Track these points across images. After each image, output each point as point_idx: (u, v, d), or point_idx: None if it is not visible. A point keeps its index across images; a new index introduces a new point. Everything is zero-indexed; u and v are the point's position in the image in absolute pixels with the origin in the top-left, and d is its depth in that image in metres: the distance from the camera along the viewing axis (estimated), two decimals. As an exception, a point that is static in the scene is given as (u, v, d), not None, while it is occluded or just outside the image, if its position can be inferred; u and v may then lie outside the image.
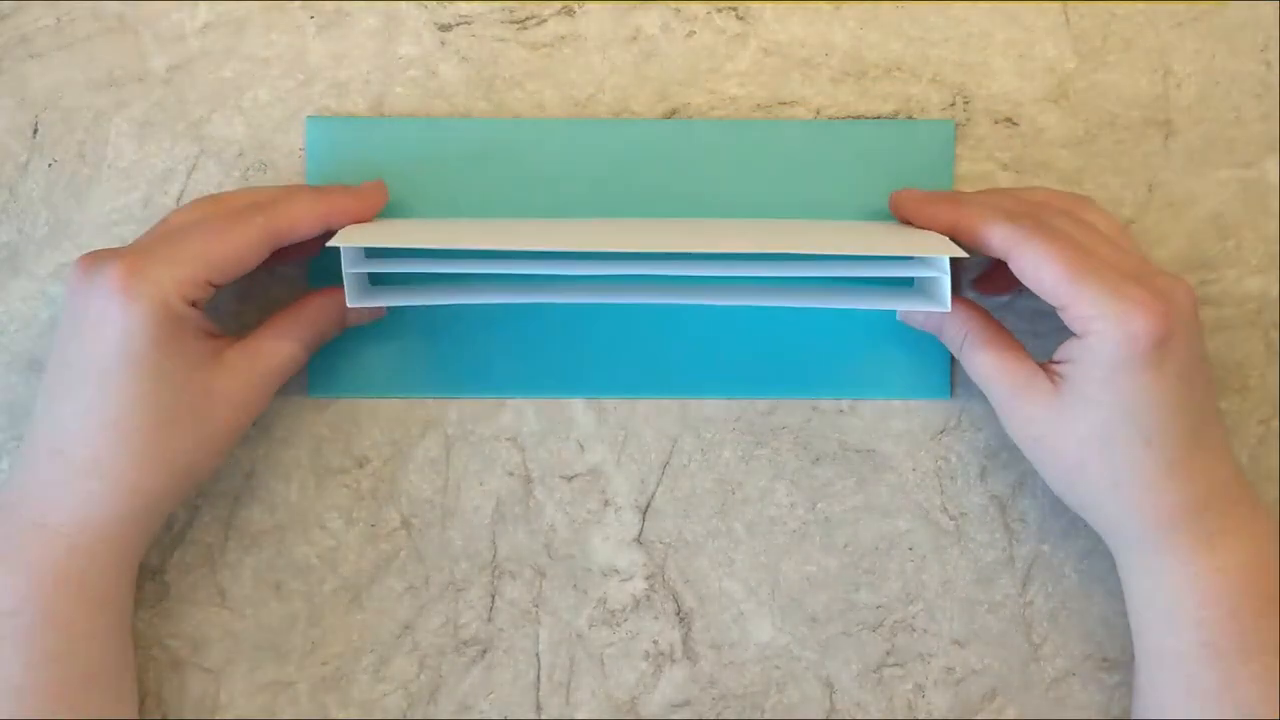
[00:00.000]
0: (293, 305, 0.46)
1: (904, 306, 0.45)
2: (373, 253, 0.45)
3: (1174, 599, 0.42)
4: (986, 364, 0.44)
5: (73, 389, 0.41)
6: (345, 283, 0.43)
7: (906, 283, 0.48)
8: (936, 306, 0.43)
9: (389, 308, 0.48)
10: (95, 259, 0.41)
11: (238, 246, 0.42)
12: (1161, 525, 0.42)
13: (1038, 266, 0.41)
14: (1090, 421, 0.41)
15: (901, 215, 0.46)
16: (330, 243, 0.42)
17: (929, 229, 0.44)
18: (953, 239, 0.43)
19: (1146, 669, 0.44)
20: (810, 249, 0.42)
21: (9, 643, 0.40)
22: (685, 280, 0.46)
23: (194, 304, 0.41)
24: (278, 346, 0.44)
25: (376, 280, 0.47)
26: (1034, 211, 0.43)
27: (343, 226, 0.43)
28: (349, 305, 0.43)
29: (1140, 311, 0.40)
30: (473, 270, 0.43)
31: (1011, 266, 0.42)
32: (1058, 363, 0.43)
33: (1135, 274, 0.41)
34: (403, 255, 0.45)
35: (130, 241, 0.49)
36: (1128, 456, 0.41)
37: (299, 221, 0.43)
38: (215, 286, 0.42)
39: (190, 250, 0.41)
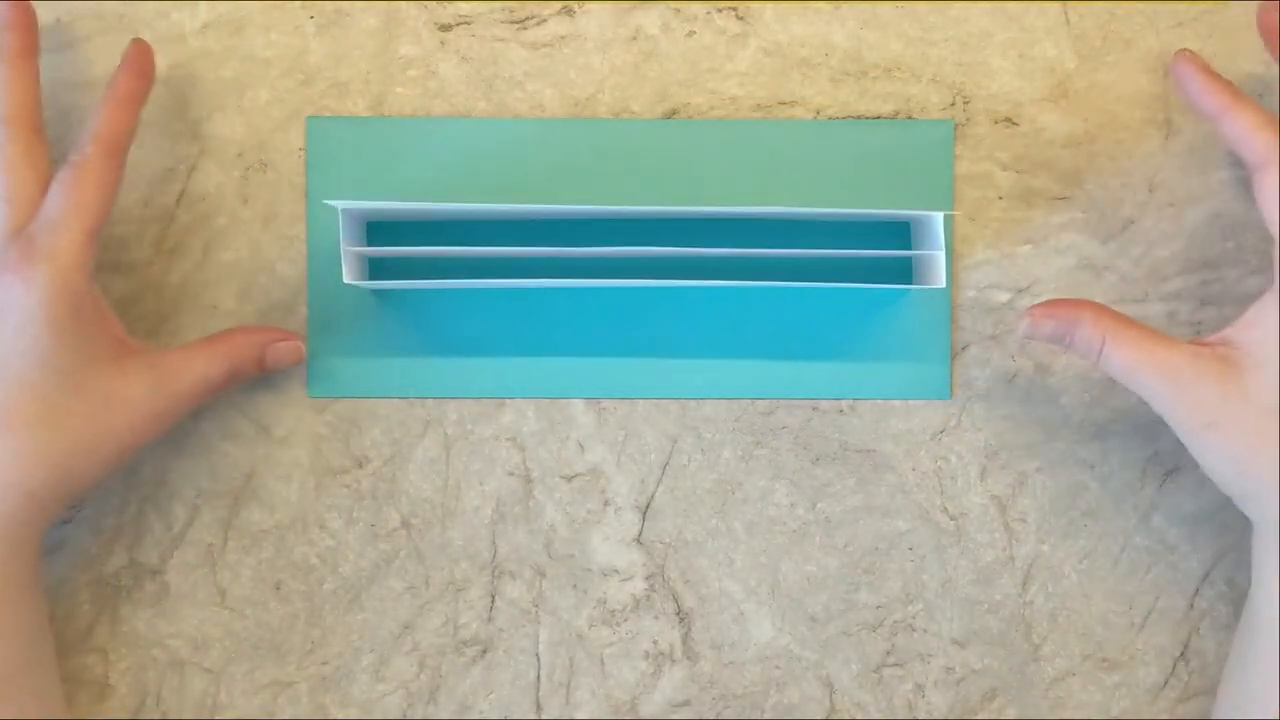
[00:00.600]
0: (212, 335, 0.45)
1: (1030, 316, 0.44)
2: (372, 240, 0.46)
3: None
4: (1140, 359, 0.41)
5: None
6: (343, 260, 0.43)
7: (904, 277, 0.48)
8: (931, 283, 0.43)
9: (396, 319, 0.48)
10: None
11: (105, 183, 0.42)
12: None
13: (1272, 197, 0.40)
14: (1275, 390, 0.39)
15: (1179, 78, 0.44)
16: (328, 202, 0.43)
17: (1201, 95, 0.42)
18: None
19: (1251, 665, 0.42)
20: (798, 209, 0.42)
21: None
22: (685, 263, 0.46)
23: (88, 272, 0.41)
24: (189, 366, 0.43)
25: (376, 275, 0.48)
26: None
27: None
28: (345, 281, 0.42)
29: None
30: (468, 253, 0.43)
31: (1253, 186, 0.41)
32: (1229, 331, 0.41)
33: None
34: (400, 241, 0.46)
35: (131, 247, 0.49)
36: None
37: (125, 123, 0.43)
38: (97, 234, 0.41)
39: (64, 212, 0.40)
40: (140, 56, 0.45)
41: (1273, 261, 0.41)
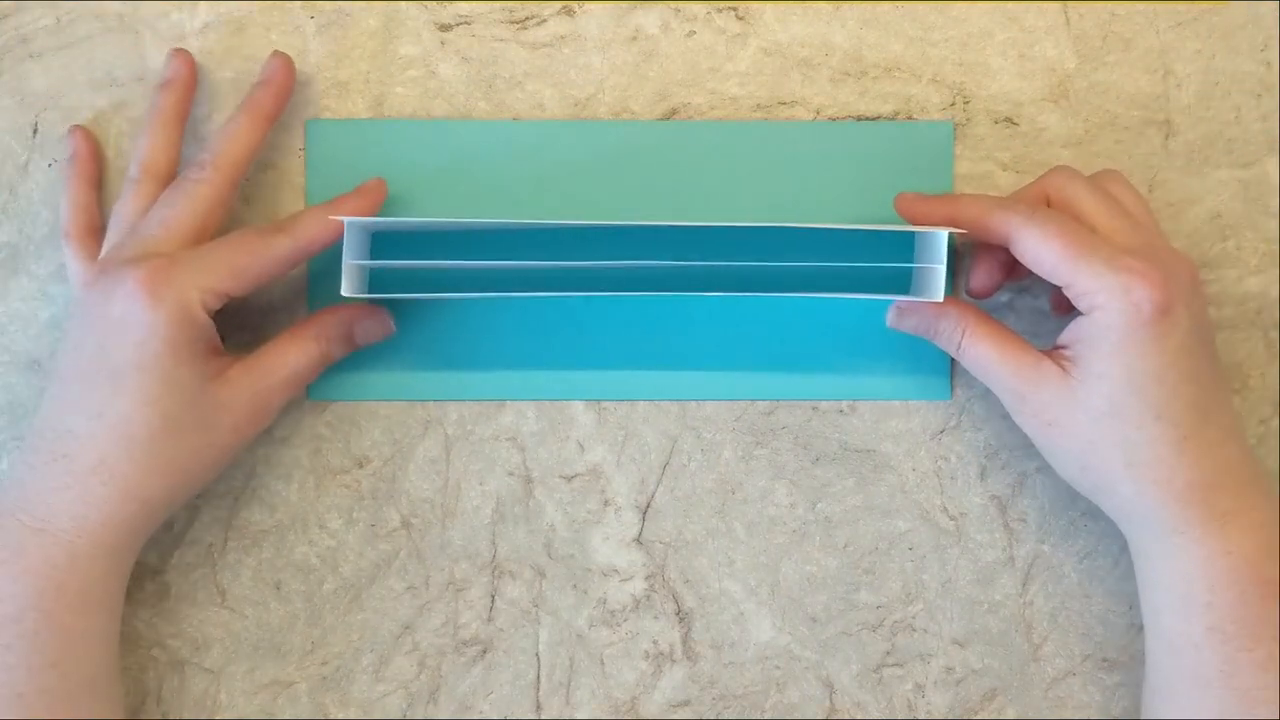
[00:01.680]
0: (300, 322, 0.46)
1: (895, 306, 0.45)
2: (376, 253, 0.46)
3: (1184, 582, 0.42)
4: (989, 358, 0.44)
5: (84, 392, 0.41)
6: (343, 273, 0.43)
7: (902, 288, 0.48)
8: (930, 296, 0.44)
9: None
10: (110, 265, 0.42)
11: (263, 261, 0.43)
12: (1173, 503, 0.42)
13: (1038, 246, 0.42)
14: (1101, 396, 0.42)
15: (903, 216, 0.47)
16: (334, 215, 0.43)
17: (928, 224, 0.45)
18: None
19: (1155, 655, 0.44)
20: (807, 223, 0.43)
21: (11, 650, 0.40)
22: (684, 275, 0.46)
23: (210, 314, 0.42)
24: (282, 361, 0.45)
25: (378, 286, 0.47)
26: (1040, 185, 0.45)
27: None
28: (343, 293, 0.43)
29: (1140, 281, 0.40)
30: (472, 266, 0.43)
31: (1014, 250, 0.43)
32: (1062, 347, 0.43)
33: (1137, 248, 0.42)
34: (403, 253, 0.46)
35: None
36: (1139, 431, 0.41)
37: (317, 238, 0.44)
38: (230, 298, 0.43)
39: (216, 261, 0.42)
40: (379, 190, 0.47)
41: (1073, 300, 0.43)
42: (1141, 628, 0.49)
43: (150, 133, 0.46)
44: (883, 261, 0.46)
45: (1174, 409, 0.41)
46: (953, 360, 0.49)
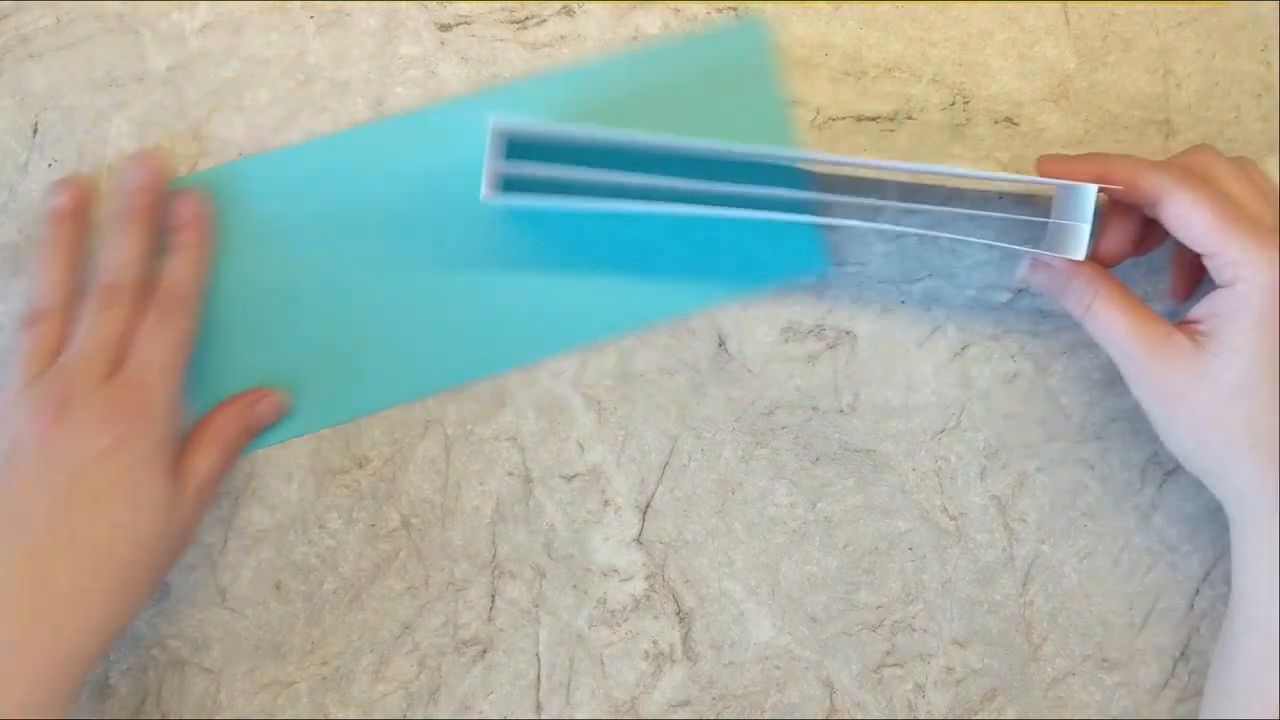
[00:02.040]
0: (195, 429, 0.46)
1: (1030, 260, 0.45)
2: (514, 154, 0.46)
3: None
4: (1120, 324, 0.43)
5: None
6: (485, 176, 0.43)
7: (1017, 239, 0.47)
8: (1070, 254, 0.43)
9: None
10: (73, 400, 0.43)
11: (182, 335, 0.45)
12: None
13: (1188, 213, 0.41)
14: (1235, 370, 0.41)
15: (1046, 176, 0.45)
16: (491, 118, 0.43)
17: (1073, 180, 0.44)
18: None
19: (1241, 639, 0.43)
20: (954, 174, 0.43)
21: None
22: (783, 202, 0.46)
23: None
24: (194, 467, 0.45)
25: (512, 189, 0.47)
26: (1183, 159, 0.44)
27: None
28: (483, 199, 0.43)
29: None
30: (610, 177, 0.44)
31: (1160, 214, 0.42)
32: (1195, 321, 0.43)
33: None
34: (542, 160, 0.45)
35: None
36: (1269, 410, 0.41)
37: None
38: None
39: (160, 370, 0.44)
40: (193, 207, 0.47)
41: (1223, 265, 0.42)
42: (1141, 627, 0.49)
43: (47, 265, 0.46)
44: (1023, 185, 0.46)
45: None
46: (952, 358, 0.49)
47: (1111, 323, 0.44)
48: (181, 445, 0.46)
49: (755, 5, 0.49)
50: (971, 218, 0.46)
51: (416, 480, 0.49)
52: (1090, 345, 0.48)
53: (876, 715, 0.49)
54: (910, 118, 0.49)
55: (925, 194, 0.48)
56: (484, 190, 0.43)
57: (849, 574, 0.49)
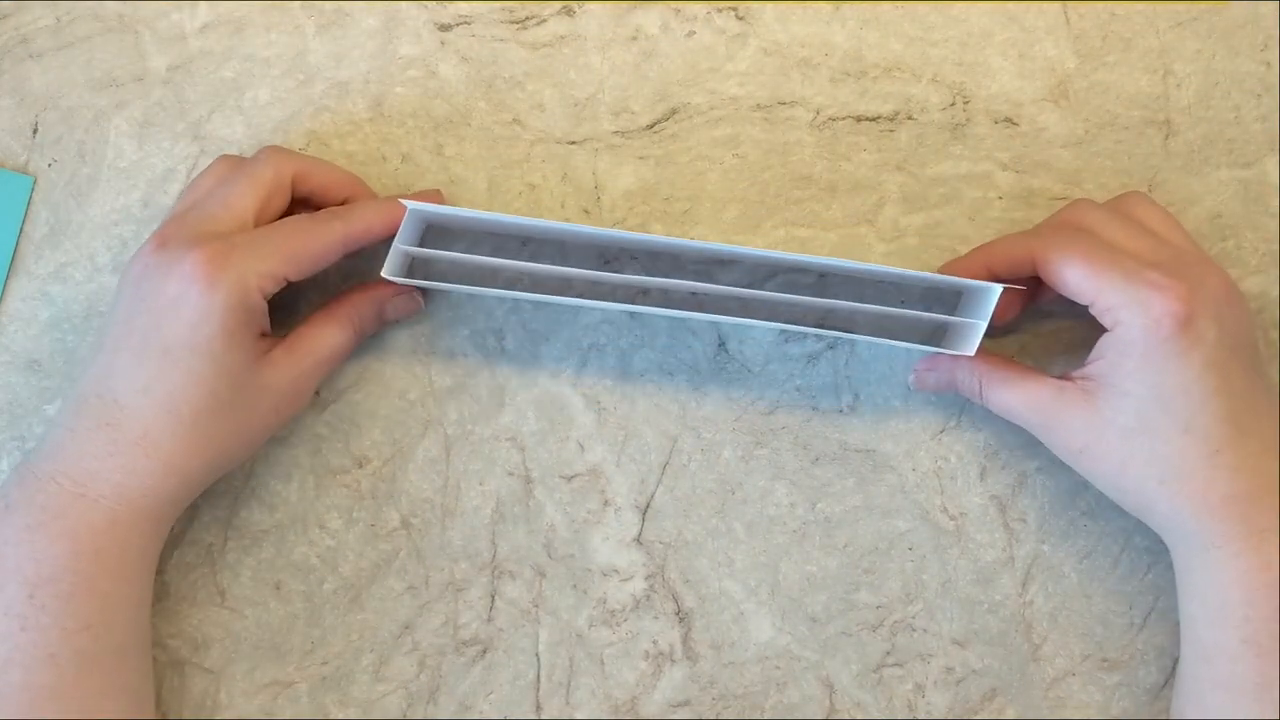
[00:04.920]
0: (333, 301, 0.47)
1: (917, 369, 0.46)
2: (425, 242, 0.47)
3: (1221, 594, 0.42)
4: (1011, 397, 0.45)
5: (133, 365, 0.42)
6: (389, 255, 0.44)
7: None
8: (962, 349, 0.44)
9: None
10: (171, 241, 0.42)
11: (319, 247, 0.43)
12: (1208, 518, 0.42)
13: (1061, 269, 0.42)
14: (1128, 413, 0.42)
15: (947, 274, 0.46)
16: (403, 200, 0.44)
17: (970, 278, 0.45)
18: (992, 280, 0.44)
19: (1190, 663, 0.44)
20: (857, 267, 0.44)
21: (46, 610, 0.41)
22: (710, 297, 0.46)
23: (265, 299, 0.43)
24: (320, 343, 0.45)
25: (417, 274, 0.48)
26: (1063, 216, 0.45)
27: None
28: (384, 274, 0.44)
29: (1160, 295, 0.41)
30: (518, 266, 0.45)
31: (1041, 274, 0.43)
32: (1087, 366, 0.43)
33: (1161, 262, 0.42)
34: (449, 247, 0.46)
35: (131, 247, 0.49)
36: (1169, 446, 0.41)
37: (372, 227, 0.44)
38: (286, 282, 0.43)
39: (274, 246, 0.42)
40: (435, 196, 0.48)
41: (1090, 317, 0.43)
42: (1141, 627, 0.49)
43: (369, 208, 0.45)
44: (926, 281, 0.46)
45: (1203, 422, 0.41)
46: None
47: (1002, 399, 0.45)
48: (312, 316, 0.46)
49: (755, 5, 0.49)
50: (883, 315, 0.47)
51: (416, 480, 0.49)
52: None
53: (876, 715, 0.49)
54: (910, 118, 0.49)
55: (840, 287, 0.49)
56: (385, 267, 0.44)
57: (849, 574, 0.49)
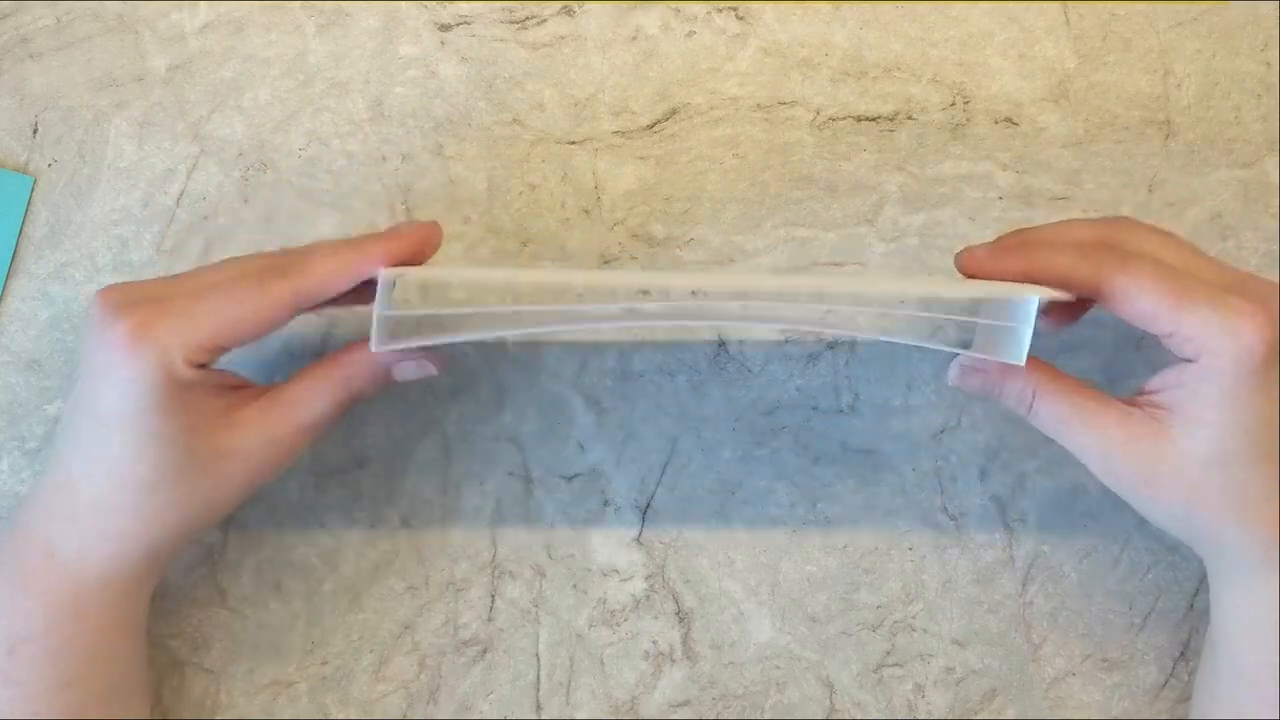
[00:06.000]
0: (328, 358, 0.43)
1: (960, 364, 0.42)
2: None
3: (1267, 616, 0.41)
4: (1069, 417, 0.41)
5: (79, 429, 0.40)
6: (373, 325, 0.38)
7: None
8: (1008, 358, 0.39)
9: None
10: (112, 305, 0.39)
11: (256, 312, 0.39)
12: (1276, 542, 0.40)
13: (1135, 298, 0.39)
14: (1208, 443, 0.39)
15: (970, 272, 0.42)
16: (358, 257, 0.39)
17: (1002, 279, 0.41)
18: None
19: (1215, 682, 0.43)
20: (889, 287, 0.40)
21: (28, 667, 0.40)
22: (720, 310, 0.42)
23: (203, 365, 0.39)
24: (302, 404, 0.42)
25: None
26: (1107, 237, 0.41)
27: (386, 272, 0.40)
28: (373, 349, 0.39)
29: (1248, 323, 0.38)
30: (512, 333, 0.42)
31: (1107, 303, 0.40)
32: (1152, 393, 0.41)
33: (1232, 285, 0.39)
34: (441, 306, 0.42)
35: (131, 247, 0.49)
36: (1246, 473, 0.40)
37: (327, 281, 0.39)
38: (226, 350, 0.39)
39: (204, 312, 0.38)
40: (423, 230, 0.41)
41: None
42: (1141, 627, 0.49)
43: (317, 258, 0.40)
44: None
45: None
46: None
47: (1060, 420, 0.42)
48: (301, 371, 0.42)
49: (755, 5, 0.49)
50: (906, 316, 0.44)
51: (416, 480, 0.49)
52: (1090, 344, 0.48)
53: (876, 715, 0.49)
54: (910, 118, 0.49)
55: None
56: (373, 341, 0.38)
57: (849, 574, 0.49)
